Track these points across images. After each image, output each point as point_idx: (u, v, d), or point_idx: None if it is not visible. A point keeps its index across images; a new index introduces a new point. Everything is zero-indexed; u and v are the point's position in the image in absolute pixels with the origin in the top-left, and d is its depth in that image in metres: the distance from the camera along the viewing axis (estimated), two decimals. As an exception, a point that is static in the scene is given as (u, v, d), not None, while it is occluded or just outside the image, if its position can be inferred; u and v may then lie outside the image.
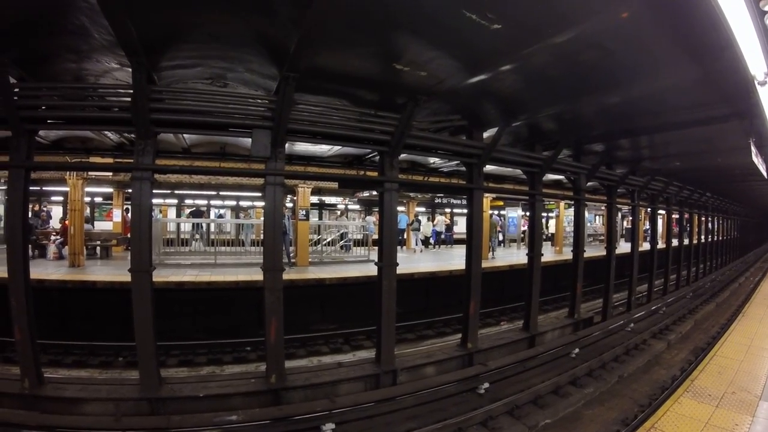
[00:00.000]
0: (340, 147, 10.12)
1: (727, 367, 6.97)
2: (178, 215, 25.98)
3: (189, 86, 6.60)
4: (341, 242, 19.73)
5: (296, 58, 5.27)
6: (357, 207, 32.45)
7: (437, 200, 24.74)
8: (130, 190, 12.13)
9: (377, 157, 8.32)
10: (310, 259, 16.17)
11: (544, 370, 9.78)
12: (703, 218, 27.55)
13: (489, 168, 10.11)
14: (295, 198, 16.84)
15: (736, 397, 5.76)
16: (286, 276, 7.56)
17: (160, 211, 24.24)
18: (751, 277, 27.00)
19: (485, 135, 9.10)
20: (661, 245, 20.61)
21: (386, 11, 4.44)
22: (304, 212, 16.13)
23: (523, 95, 7.29)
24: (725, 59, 4.72)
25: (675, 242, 21.18)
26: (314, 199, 23.08)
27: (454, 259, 17.76)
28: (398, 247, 17.39)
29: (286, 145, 7.49)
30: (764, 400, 5.69)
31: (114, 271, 12.73)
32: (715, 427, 4.91)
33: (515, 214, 29.04)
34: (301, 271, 13.87)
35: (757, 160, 10.12)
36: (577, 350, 11.01)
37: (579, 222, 13.31)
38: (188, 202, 25.92)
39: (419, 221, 24.61)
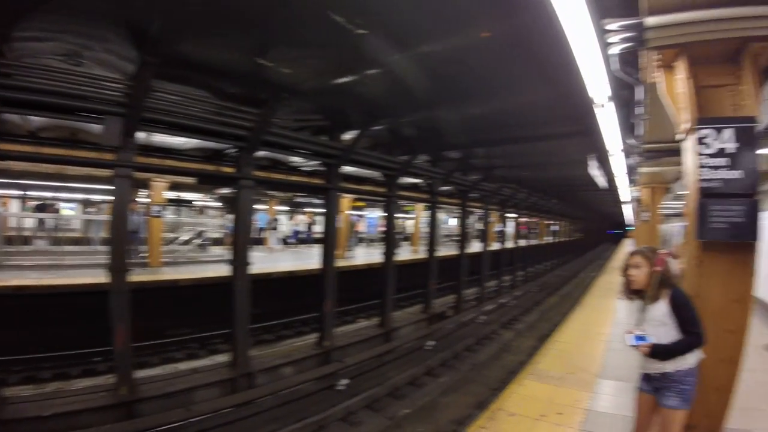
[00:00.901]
0: (198, 140, 9.39)
1: (567, 350, 7.62)
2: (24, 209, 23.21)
3: (41, 62, 5.79)
4: (198, 241, 18.88)
5: (158, 42, 5.04)
6: (219, 204, 31.15)
7: (298, 200, 24.55)
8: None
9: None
10: (164, 259, 14.82)
11: (401, 363, 10.31)
12: (549, 221, 30.43)
13: (350, 169, 10.40)
14: (150, 193, 15.61)
15: (575, 376, 6.28)
16: (135, 278, 7.20)
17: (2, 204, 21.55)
18: (590, 273, 30.19)
19: (347, 136, 9.24)
20: (510, 245, 22.48)
21: (252, 4, 4.43)
22: (158, 209, 14.89)
23: (386, 100, 7.50)
24: (573, 84, 5.05)
25: (524, 243, 22.98)
26: (173, 195, 21.82)
27: (313, 259, 17.52)
28: (257, 246, 17.08)
29: (144, 135, 7.11)
30: (601, 377, 6.27)
31: None
32: (557, 404, 5.30)
33: (375, 214, 29.60)
34: (153, 272, 12.84)
35: (594, 172, 11.54)
36: (432, 342, 11.74)
37: (433, 223, 14.05)
38: (36, 194, 23.24)
39: (276, 220, 24.33)
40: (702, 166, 3.51)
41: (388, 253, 11.53)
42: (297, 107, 7.77)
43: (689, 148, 3.73)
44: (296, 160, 12.27)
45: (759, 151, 3.52)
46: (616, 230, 67.38)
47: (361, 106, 7.82)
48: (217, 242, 18.78)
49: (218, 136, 7.47)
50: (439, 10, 4.52)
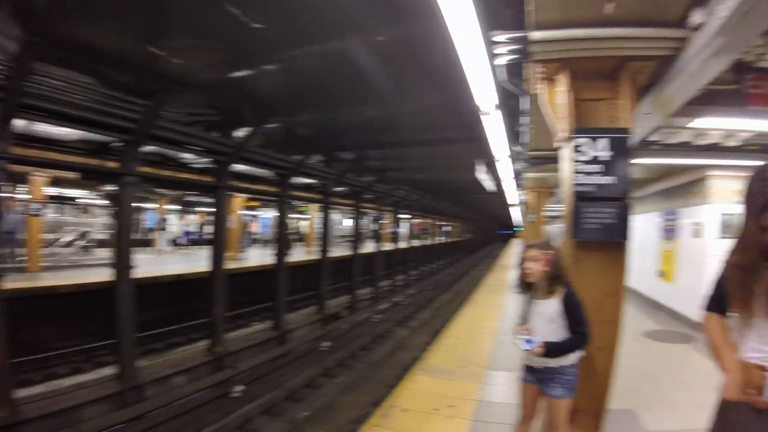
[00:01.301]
0: (83, 132, 8.71)
1: (458, 345, 7.87)
2: None
3: None
4: (82, 243, 17.61)
5: (44, 20, 4.69)
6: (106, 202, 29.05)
7: (190, 198, 23.64)
8: None
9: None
10: (44, 263, 13.40)
11: (297, 365, 10.25)
12: (442, 222, 31.47)
13: (243, 168, 10.18)
14: (28, 189, 14.13)
15: (466, 370, 6.49)
16: (11, 284, 6.70)
17: None
18: (480, 270, 31.26)
19: (239, 133, 8.98)
20: (404, 245, 23.01)
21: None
22: (37, 206, 13.33)
23: (281, 98, 7.43)
24: (462, 91, 5.23)
25: (417, 243, 23.56)
26: (54, 191, 20.04)
27: (204, 261, 16.80)
28: (145, 248, 16.17)
29: (23, 123, 6.47)
30: (490, 369, 6.51)
31: None
32: (449, 397, 5.45)
33: (269, 215, 29.02)
34: (32, 277, 11.61)
35: (483, 177, 12.11)
36: (327, 343, 11.78)
37: (326, 224, 14.09)
38: None
39: (166, 220, 23.21)
40: (577, 172, 3.78)
41: (281, 254, 11.44)
42: (188, 100, 7.47)
43: (566, 156, 4.00)
44: (187, 156, 11.73)
45: (631, 160, 3.85)
46: (506, 231, 70.85)
47: (255, 102, 7.64)
48: (102, 244, 17.44)
49: (103, 127, 6.90)
50: (335, 10, 4.55)
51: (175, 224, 24.86)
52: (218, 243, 9.35)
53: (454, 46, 3.91)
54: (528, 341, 3.14)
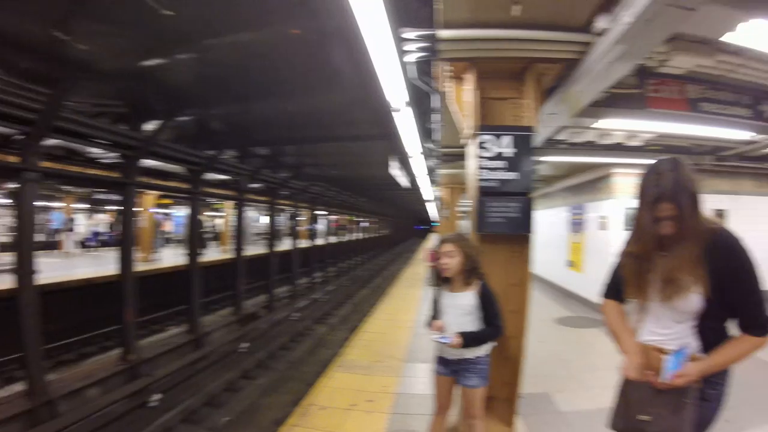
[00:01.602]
0: None
1: (375, 339, 7.90)
2: None
3: None
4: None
5: None
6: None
7: (99, 196, 22.39)
8: None
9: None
10: None
11: (216, 369, 9.95)
12: (360, 219, 31.62)
13: (155, 163, 9.71)
14: None
15: (383, 364, 6.54)
16: None
17: None
18: (399, 265, 31.51)
19: (149, 126, 8.45)
20: (322, 242, 22.93)
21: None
22: None
23: (193, 90, 7.22)
24: (374, 88, 5.20)
25: (335, 239, 23.51)
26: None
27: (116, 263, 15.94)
28: (50, 251, 15.10)
29: None
30: (407, 362, 6.58)
31: None
32: (367, 392, 5.47)
33: (183, 213, 28.03)
34: None
35: (397, 173, 12.25)
36: (246, 344, 11.53)
37: (240, 221, 13.74)
38: None
39: (73, 220, 21.76)
40: (481, 168, 3.91)
41: (194, 254, 11.01)
42: (95, 90, 7.06)
43: (472, 152, 4.12)
44: (95, 151, 11.01)
45: (535, 157, 4.02)
46: (423, 226, 72.21)
47: (166, 94, 7.32)
48: (2, 247, 16.02)
49: (1, 118, 6.28)
50: (248, 0, 4.47)
51: (84, 224, 23.46)
52: (127, 243, 8.87)
53: (364, 42, 3.90)
54: (443, 337, 3.18)
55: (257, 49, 5.48)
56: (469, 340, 3.17)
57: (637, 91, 5.29)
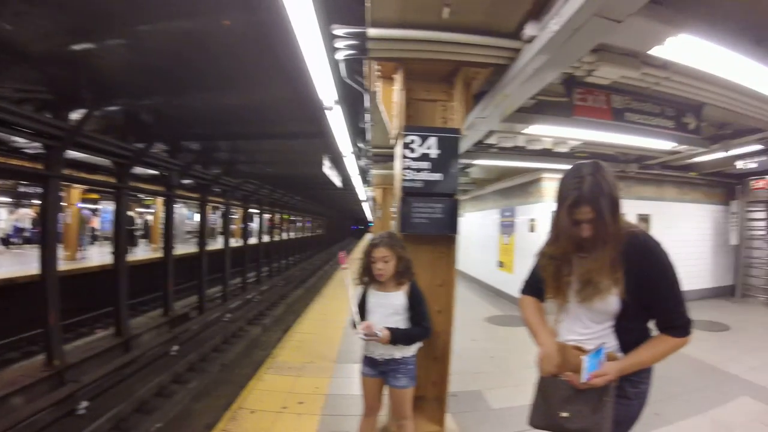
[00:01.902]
0: None
1: (307, 340, 7.85)
2: None
3: None
4: None
5: None
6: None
7: (24, 189, 21.05)
8: None
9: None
10: None
11: (145, 373, 9.56)
12: (295, 218, 31.27)
13: (81, 155, 9.21)
14: None
15: (315, 365, 6.50)
16: None
17: None
18: (334, 265, 31.66)
19: (75, 116, 7.94)
20: (255, 241, 22.57)
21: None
22: None
23: (123, 78, 6.89)
24: (305, 85, 5.22)
25: (269, 238, 23.19)
26: None
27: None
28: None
29: None
30: (339, 362, 6.57)
31: None
32: (298, 394, 5.41)
33: (111, 208, 26.67)
34: None
35: (330, 172, 12.19)
36: (177, 347, 11.18)
37: (169, 219, 13.21)
38: None
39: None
40: (406, 168, 3.92)
41: (121, 252, 10.49)
42: (17, 74, 6.54)
43: (398, 153, 4.15)
44: (19, 141, 10.28)
45: (460, 160, 4.07)
46: (359, 226, 72.40)
47: (94, 81, 6.90)
48: None
49: None
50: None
51: (4, 219, 22.03)
52: (50, 240, 8.26)
53: (296, 37, 3.87)
54: (368, 335, 3.12)
55: (190, 38, 5.30)
56: (398, 336, 3.16)
57: (565, 99, 5.48)
